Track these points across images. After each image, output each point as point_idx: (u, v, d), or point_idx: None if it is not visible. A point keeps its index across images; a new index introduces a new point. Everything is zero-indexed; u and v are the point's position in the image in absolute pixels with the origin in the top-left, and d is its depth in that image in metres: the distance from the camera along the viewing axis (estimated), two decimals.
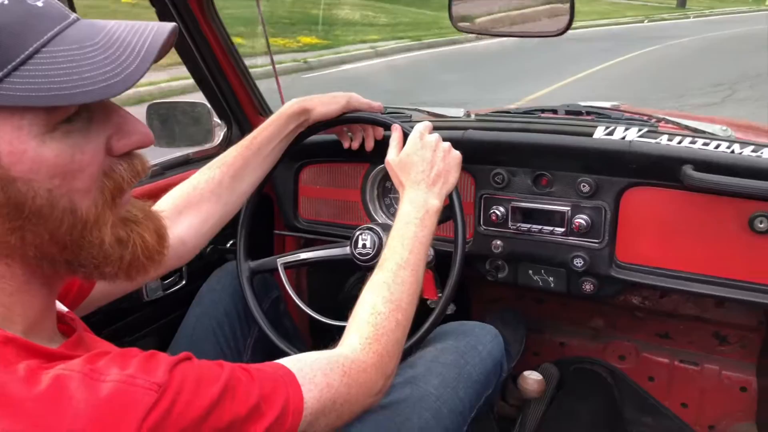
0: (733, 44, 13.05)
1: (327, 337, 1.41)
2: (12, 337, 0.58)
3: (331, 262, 1.38)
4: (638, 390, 1.81)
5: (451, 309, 1.33)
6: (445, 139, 1.19)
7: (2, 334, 0.58)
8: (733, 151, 1.18)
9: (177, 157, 1.60)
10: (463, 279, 1.19)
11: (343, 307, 1.86)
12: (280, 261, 1.37)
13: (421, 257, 1.05)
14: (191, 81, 1.64)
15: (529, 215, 1.38)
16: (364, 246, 1.31)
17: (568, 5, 1.17)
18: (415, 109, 1.57)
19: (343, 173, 1.59)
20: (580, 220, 1.32)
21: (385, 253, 1.04)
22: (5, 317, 0.62)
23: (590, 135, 1.31)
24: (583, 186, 1.31)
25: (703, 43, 13.63)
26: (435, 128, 1.24)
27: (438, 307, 1.17)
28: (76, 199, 0.60)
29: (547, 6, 1.30)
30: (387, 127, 1.29)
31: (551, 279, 1.41)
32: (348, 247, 1.33)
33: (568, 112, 1.49)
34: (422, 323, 1.17)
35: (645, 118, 1.39)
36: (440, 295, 1.30)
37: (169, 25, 0.62)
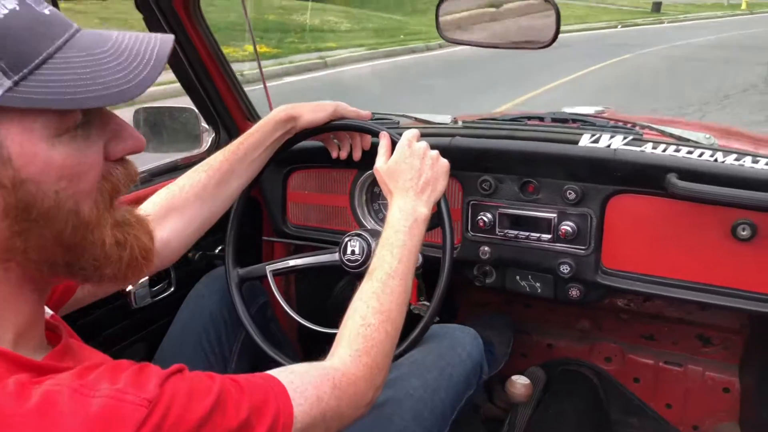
0: (705, 53, 12.88)
1: (314, 343, 1.41)
2: (1, 351, 0.58)
3: (319, 269, 1.38)
4: (624, 391, 1.83)
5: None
6: (432, 146, 1.20)
7: None
8: (716, 160, 1.20)
9: (165, 164, 1.59)
10: (450, 284, 1.20)
11: (331, 313, 1.87)
12: (269, 268, 1.37)
13: (410, 266, 1.05)
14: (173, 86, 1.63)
15: (516, 222, 1.39)
16: (353, 252, 1.31)
17: (554, 17, 1.18)
18: (403, 116, 1.58)
19: (332, 179, 1.59)
20: (567, 226, 1.33)
21: (375, 262, 1.04)
22: None
23: (576, 143, 1.32)
24: (570, 193, 1.32)
25: (674, 51, 13.35)
26: (422, 135, 1.24)
27: (426, 316, 1.17)
28: (79, 201, 0.62)
29: (533, 16, 1.31)
30: (375, 134, 1.29)
31: (538, 285, 1.43)
32: (337, 254, 1.33)
33: (554, 120, 1.50)
34: (408, 330, 1.17)
35: (630, 125, 1.41)
36: (423, 301, 1.31)
37: (169, 37, 0.66)
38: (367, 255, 1.29)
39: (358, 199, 1.58)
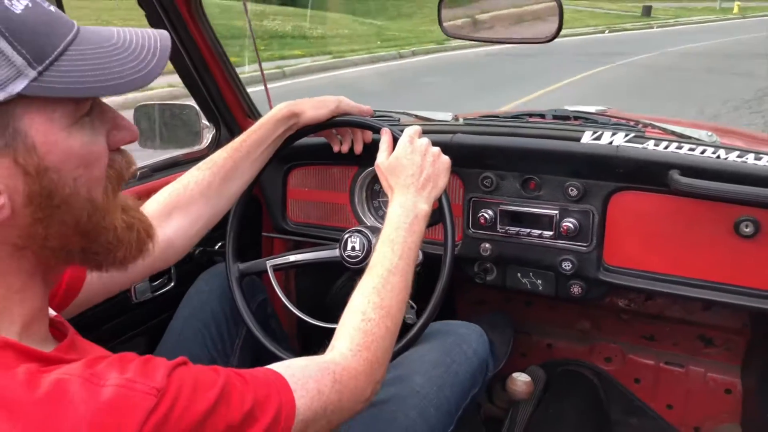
0: (691, 62, 12.08)
1: (314, 339, 1.40)
2: (11, 342, 0.59)
3: (319, 264, 1.38)
4: (624, 391, 1.82)
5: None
6: (433, 143, 1.20)
7: (1, 339, 0.59)
8: (718, 157, 1.20)
9: (165, 159, 1.59)
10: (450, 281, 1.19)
11: (330, 309, 1.87)
12: (270, 263, 1.37)
13: (411, 262, 1.05)
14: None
15: (518, 218, 1.39)
16: (353, 248, 1.31)
17: (556, 12, 1.18)
18: (403, 113, 1.58)
19: (332, 176, 1.59)
20: (568, 223, 1.33)
21: (375, 258, 1.03)
22: (5, 316, 0.63)
23: (578, 140, 1.32)
24: (571, 190, 1.32)
25: (659, 60, 12.50)
26: (423, 132, 1.24)
27: (426, 313, 1.16)
28: (92, 189, 0.65)
29: (536, 9, 1.31)
30: (376, 130, 1.29)
31: (539, 282, 1.42)
32: (337, 250, 1.33)
33: (555, 117, 1.50)
34: (407, 329, 1.17)
35: (632, 123, 1.41)
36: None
37: (163, 32, 0.69)
38: (368, 251, 1.29)
39: (358, 196, 1.57)
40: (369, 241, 1.30)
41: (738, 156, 1.19)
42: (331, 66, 11.27)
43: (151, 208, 1.10)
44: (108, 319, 1.38)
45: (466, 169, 1.41)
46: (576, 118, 1.48)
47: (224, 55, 1.60)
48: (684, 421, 1.75)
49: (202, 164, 1.20)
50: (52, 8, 0.62)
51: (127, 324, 1.44)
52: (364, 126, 1.34)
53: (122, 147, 0.70)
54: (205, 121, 1.64)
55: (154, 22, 1.46)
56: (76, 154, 0.62)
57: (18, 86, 0.57)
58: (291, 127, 1.28)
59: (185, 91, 1.64)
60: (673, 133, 1.34)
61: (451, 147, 1.31)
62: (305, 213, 1.64)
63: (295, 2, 15.64)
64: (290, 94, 1.61)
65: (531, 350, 1.94)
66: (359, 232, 1.31)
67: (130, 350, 0.65)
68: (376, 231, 1.30)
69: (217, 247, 1.61)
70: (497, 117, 1.57)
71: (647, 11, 25.58)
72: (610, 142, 1.29)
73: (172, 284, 1.50)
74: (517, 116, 1.55)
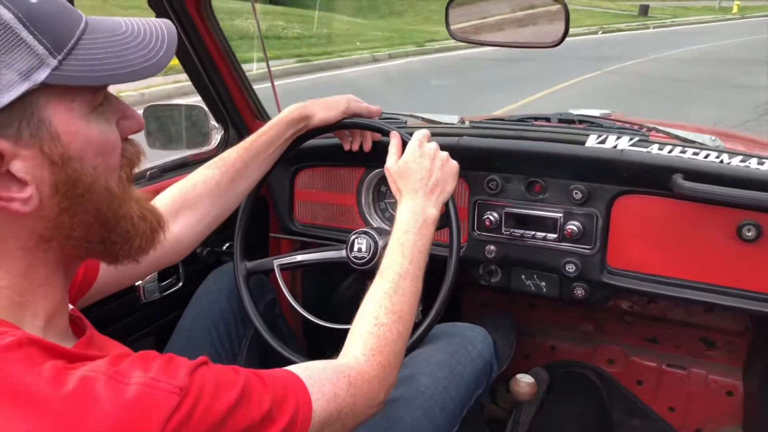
0: (686, 71, 10.96)
1: (320, 339, 1.42)
2: (35, 338, 0.60)
3: (326, 265, 1.39)
4: (627, 393, 1.83)
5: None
6: (440, 146, 1.20)
7: (26, 336, 0.59)
8: (722, 161, 1.21)
9: (174, 160, 1.61)
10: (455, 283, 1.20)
11: (336, 310, 1.89)
12: (277, 262, 1.38)
13: (421, 266, 1.05)
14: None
15: (522, 221, 1.40)
16: (359, 250, 1.32)
17: (563, 17, 1.19)
18: (410, 115, 1.59)
19: (339, 177, 1.61)
20: (573, 226, 1.34)
21: (385, 263, 1.04)
22: (29, 310, 0.64)
23: (582, 143, 1.33)
24: (576, 193, 1.33)
25: (649, 67, 11.54)
26: (431, 135, 1.25)
27: (431, 315, 1.17)
28: (108, 178, 0.66)
29: (542, 12, 1.32)
30: (385, 134, 1.30)
31: (543, 284, 1.43)
32: (344, 251, 1.34)
33: (561, 120, 1.51)
34: (413, 329, 1.18)
35: (636, 127, 1.42)
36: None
37: (167, 21, 0.70)
38: (374, 253, 1.30)
39: (365, 197, 1.59)
40: (375, 243, 1.31)
41: (741, 160, 1.20)
42: (293, 71, 10.22)
43: (159, 204, 1.11)
44: (117, 318, 1.39)
45: (472, 172, 1.42)
46: (581, 121, 1.49)
47: (233, 55, 1.62)
48: (686, 423, 1.76)
49: (211, 163, 1.22)
50: None
51: (137, 323, 1.46)
52: (373, 129, 1.36)
53: (130, 137, 0.71)
54: (213, 122, 1.66)
55: None
56: (95, 142, 0.63)
57: (41, 75, 0.58)
58: (300, 129, 1.30)
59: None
60: (677, 137, 1.35)
61: (457, 150, 1.32)
62: (312, 214, 1.66)
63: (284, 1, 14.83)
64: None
65: (534, 352, 1.95)
66: (366, 233, 1.32)
67: (139, 349, 0.66)
68: (382, 232, 1.31)
69: (225, 247, 1.63)
70: (503, 120, 1.59)
71: (644, 10, 25.19)
72: (615, 146, 1.30)
73: (181, 284, 1.51)
74: (522, 119, 1.56)
